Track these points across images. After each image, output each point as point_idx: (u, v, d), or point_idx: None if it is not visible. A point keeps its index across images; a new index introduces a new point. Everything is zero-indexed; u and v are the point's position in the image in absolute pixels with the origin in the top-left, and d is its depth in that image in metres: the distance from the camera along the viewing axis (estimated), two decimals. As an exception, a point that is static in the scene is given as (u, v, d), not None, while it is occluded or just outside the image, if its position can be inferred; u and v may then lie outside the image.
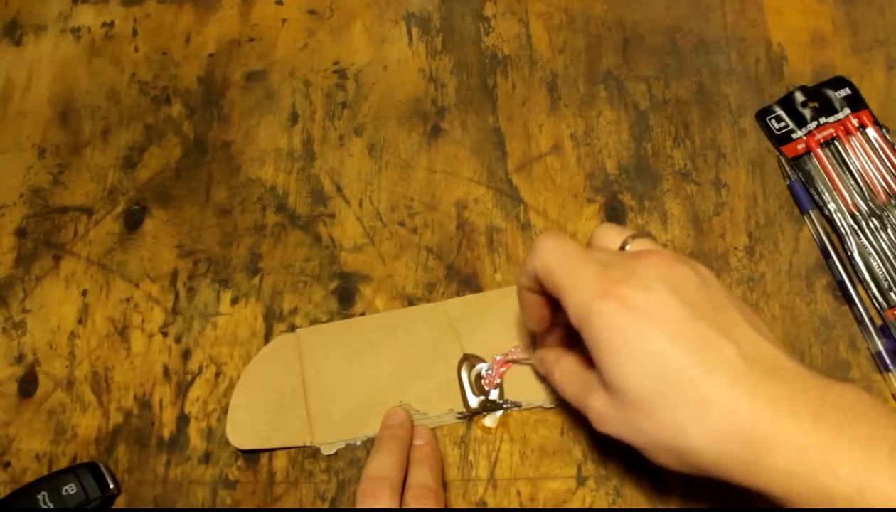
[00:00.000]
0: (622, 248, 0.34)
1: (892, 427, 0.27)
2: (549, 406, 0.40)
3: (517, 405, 0.40)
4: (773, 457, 0.27)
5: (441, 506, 0.36)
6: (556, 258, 0.33)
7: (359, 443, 0.40)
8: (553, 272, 0.32)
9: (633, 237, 0.34)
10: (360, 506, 0.35)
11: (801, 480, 0.27)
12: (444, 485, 0.39)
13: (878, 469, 0.26)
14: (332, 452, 0.40)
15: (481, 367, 0.41)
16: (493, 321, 0.42)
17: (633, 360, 0.30)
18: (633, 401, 0.30)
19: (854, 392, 0.28)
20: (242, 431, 0.40)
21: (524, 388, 0.40)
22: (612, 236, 0.35)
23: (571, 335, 0.36)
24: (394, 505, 0.34)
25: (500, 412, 0.40)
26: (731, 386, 0.28)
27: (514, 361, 0.41)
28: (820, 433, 0.27)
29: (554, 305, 0.34)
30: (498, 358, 0.41)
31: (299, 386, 0.41)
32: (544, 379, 0.39)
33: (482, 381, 0.41)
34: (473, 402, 0.40)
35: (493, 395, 0.40)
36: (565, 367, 0.36)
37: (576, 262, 0.32)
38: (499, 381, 0.40)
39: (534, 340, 0.40)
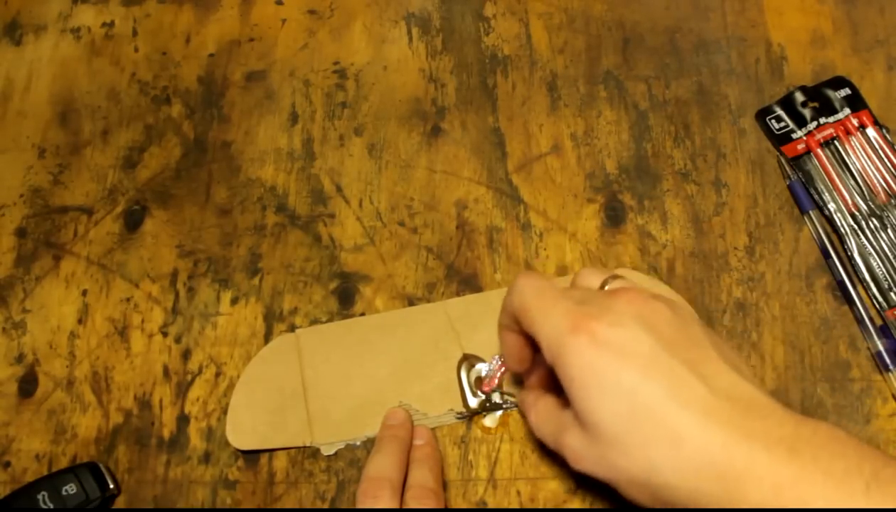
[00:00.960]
0: (602, 288, 0.34)
1: (868, 462, 0.27)
2: None
3: (517, 405, 0.40)
4: (748, 493, 0.27)
5: (441, 506, 0.36)
6: (531, 296, 0.33)
7: (359, 443, 0.40)
8: (528, 310, 0.33)
9: (613, 278, 0.34)
10: (360, 506, 0.35)
11: None
12: (444, 485, 0.39)
13: (854, 504, 0.26)
14: (332, 452, 0.40)
15: (481, 367, 0.41)
16: (492, 321, 0.41)
17: (604, 395, 0.29)
18: (605, 437, 0.30)
19: (829, 428, 0.28)
20: (242, 432, 0.40)
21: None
22: (592, 278, 0.35)
23: (554, 377, 0.37)
24: (394, 505, 0.34)
25: (500, 412, 0.40)
26: (703, 421, 0.28)
27: (504, 393, 0.40)
28: (795, 469, 0.27)
29: (534, 345, 0.34)
30: (497, 359, 0.41)
31: (299, 386, 0.41)
32: None
33: (482, 382, 0.40)
34: (473, 402, 0.40)
35: (494, 395, 0.40)
36: (541, 407, 0.36)
37: (550, 299, 0.32)
38: (498, 381, 0.40)
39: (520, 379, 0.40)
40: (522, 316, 0.33)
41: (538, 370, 0.37)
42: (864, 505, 0.25)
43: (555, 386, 0.36)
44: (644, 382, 0.29)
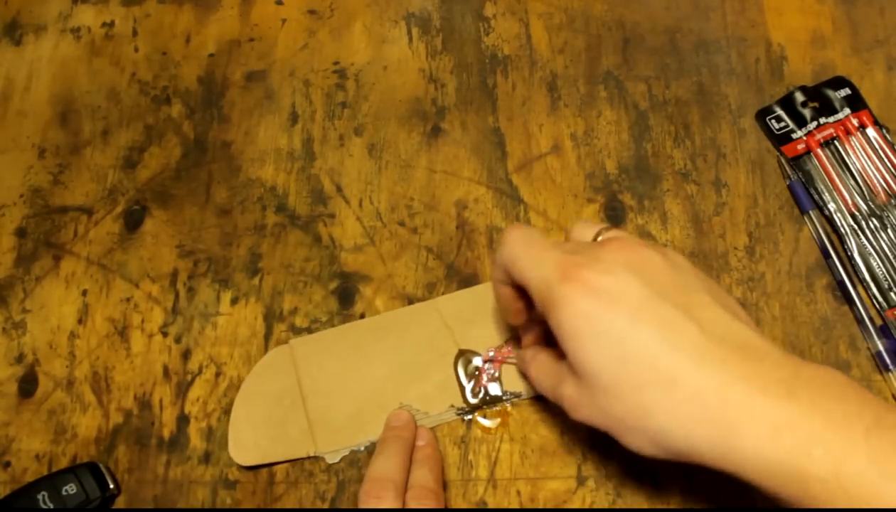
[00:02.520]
0: (595, 240, 0.34)
1: (868, 407, 0.26)
2: None
3: (517, 395, 0.40)
4: (744, 436, 0.26)
5: (441, 506, 0.36)
6: (521, 247, 0.33)
7: (362, 448, 0.40)
8: (518, 260, 0.33)
9: (606, 230, 0.34)
10: (363, 506, 0.34)
11: (773, 461, 0.26)
12: (445, 485, 0.39)
13: (854, 450, 0.25)
14: (337, 460, 0.40)
15: (477, 361, 0.41)
16: (484, 315, 0.42)
17: (595, 342, 0.29)
18: (600, 384, 0.30)
19: (829, 372, 0.27)
20: (245, 448, 0.40)
21: (522, 378, 0.40)
22: (586, 230, 0.35)
23: (549, 332, 0.37)
24: (397, 505, 0.34)
25: (500, 404, 0.40)
26: (697, 363, 0.28)
27: (503, 362, 0.41)
28: (793, 411, 0.26)
29: (528, 298, 0.34)
30: (491, 352, 0.41)
31: (298, 397, 0.41)
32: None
33: (479, 377, 0.40)
34: (472, 397, 0.40)
35: (493, 387, 0.40)
36: (539, 361, 0.36)
37: (539, 249, 0.32)
38: (495, 373, 0.40)
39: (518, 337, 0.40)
40: (512, 266, 0.33)
41: (534, 327, 0.37)
42: (864, 449, 0.25)
43: (551, 341, 0.37)
44: (635, 327, 0.29)
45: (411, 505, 0.35)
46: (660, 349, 0.28)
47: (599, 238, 0.34)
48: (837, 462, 0.25)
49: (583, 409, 0.31)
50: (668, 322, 0.29)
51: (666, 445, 0.29)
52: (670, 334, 0.28)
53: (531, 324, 0.37)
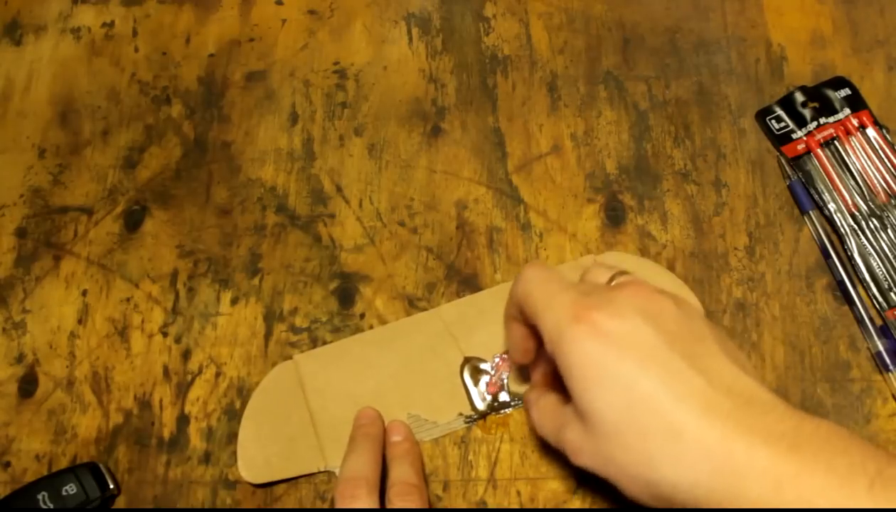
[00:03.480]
0: (609, 283, 0.34)
1: (871, 460, 0.26)
2: None
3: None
4: (748, 488, 0.26)
5: (424, 501, 0.36)
6: (536, 285, 0.33)
7: None
8: (532, 299, 0.33)
9: (620, 274, 0.34)
10: (338, 507, 0.34)
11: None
12: (427, 480, 0.39)
13: (857, 503, 0.25)
14: None
15: (484, 368, 0.41)
16: (488, 321, 0.42)
17: (602, 386, 0.29)
18: (603, 430, 0.29)
19: (832, 426, 0.28)
20: (255, 466, 0.40)
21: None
22: (601, 274, 0.35)
23: (558, 375, 0.37)
24: (372, 503, 0.34)
25: (508, 409, 0.40)
26: (702, 414, 0.28)
27: (505, 405, 0.40)
28: (796, 464, 0.26)
29: (538, 337, 0.34)
30: (497, 360, 0.41)
31: (305, 413, 0.41)
32: None
33: (485, 384, 0.40)
34: (481, 404, 0.40)
35: (501, 393, 0.40)
36: (543, 404, 0.35)
37: (555, 290, 0.32)
38: (504, 378, 0.40)
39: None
40: (526, 305, 0.33)
41: (542, 366, 0.37)
42: (867, 503, 0.25)
43: (558, 384, 0.37)
44: (642, 374, 0.29)
45: (395, 502, 0.35)
46: (666, 398, 0.28)
47: (614, 282, 0.34)
48: None
49: (585, 455, 0.31)
50: (676, 372, 0.29)
51: (667, 496, 0.28)
52: (677, 384, 0.28)
53: (541, 362, 0.37)
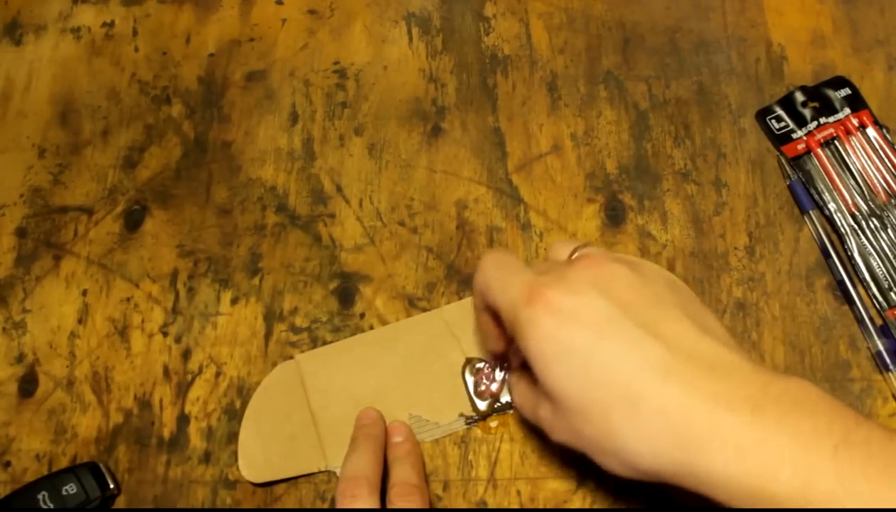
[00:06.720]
0: (570, 258, 0.34)
1: (838, 421, 0.25)
2: None
3: None
4: (711, 457, 0.26)
5: (426, 501, 0.36)
6: (493, 272, 0.33)
7: None
8: (489, 286, 0.33)
9: (582, 247, 0.34)
10: (339, 507, 0.34)
11: (740, 482, 0.25)
12: (427, 480, 0.39)
13: (822, 469, 0.24)
14: None
15: (479, 366, 0.41)
16: None
17: (560, 363, 0.29)
18: (568, 405, 0.29)
19: (800, 385, 0.27)
20: (256, 465, 0.40)
21: None
22: (562, 249, 0.34)
23: None
24: (373, 503, 0.34)
25: (510, 410, 0.40)
26: (661, 382, 0.27)
27: (498, 397, 0.40)
28: (759, 430, 0.25)
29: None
30: (494, 361, 0.41)
31: (306, 412, 0.41)
32: None
33: (482, 387, 0.40)
34: (482, 404, 0.40)
35: (503, 394, 0.40)
36: (520, 387, 0.35)
37: (510, 273, 0.32)
38: (503, 378, 0.40)
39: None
40: (486, 291, 0.33)
41: (518, 351, 0.37)
42: (830, 469, 0.24)
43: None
44: (599, 346, 0.28)
45: (396, 502, 0.35)
46: (624, 368, 0.28)
47: (575, 255, 0.33)
48: (805, 482, 0.24)
49: (559, 432, 0.31)
50: (633, 340, 0.28)
51: (636, 467, 0.28)
52: (634, 352, 0.28)
53: (517, 348, 0.37)
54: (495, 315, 0.34)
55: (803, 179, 0.44)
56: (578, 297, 0.29)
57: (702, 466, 0.26)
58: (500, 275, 0.32)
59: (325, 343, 0.43)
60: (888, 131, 0.45)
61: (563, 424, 0.30)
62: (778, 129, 0.46)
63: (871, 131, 0.45)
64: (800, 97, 0.46)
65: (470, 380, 0.41)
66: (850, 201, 0.43)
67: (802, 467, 0.25)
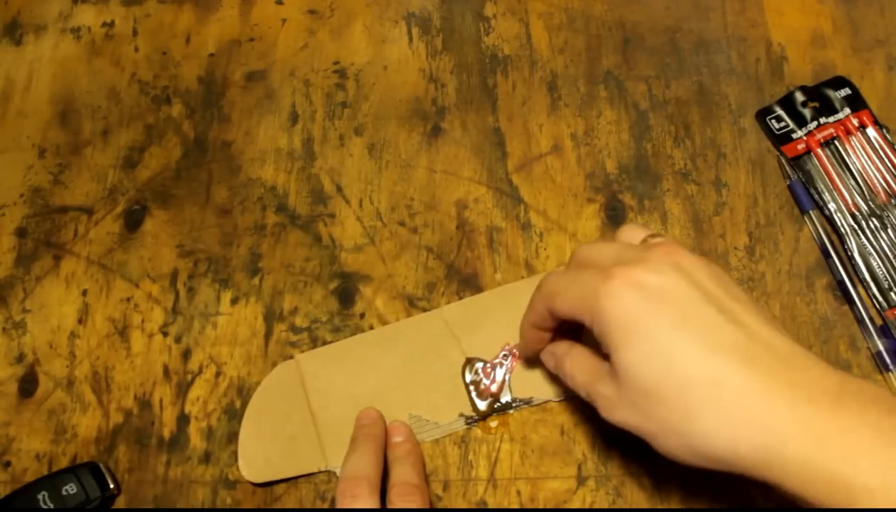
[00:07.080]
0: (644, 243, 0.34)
1: None
2: (558, 400, 0.40)
3: (527, 402, 0.40)
4: (790, 443, 0.26)
5: (426, 501, 0.36)
6: (558, 278, 0.33)
7: None
8: (559, 290, 0.33)
9: (653, 235, 0.34)
10: (339, 507, 0.34)
11: (818, 469, 0.25)
12: (427, 480, 0.39)
13: None
14: None
15: (479, 366, 0.41)
16: (490, 323, 0.42)
17: (640, 340, 0.29)
18: (641, 384, 0.29)
19: (876, 387, 0.27)
20: (256, 465, 0.40)
21: (532, 384, 0.40)
22: (635, 233, 0.34)
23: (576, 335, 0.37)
24: (373, 503, 0.34)
25: (510, 410, 0.40)
26: (743, 367, 0.27)
27: (513, 367, 0.40)
28: (840, 421, 0.25)
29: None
30: (494, 361, 0.41)
31: (307, 412, 0.41)
32: (552, 374, 0.38)
33: (481, 387, 0.40)
34: (482, 404, 0.40)
35: (503, 394, 0.40)
36: (576, 355, 0.35)
37: (578, 272, 0.32)
38: (503, 378, 0.40)
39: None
40: (555, 300, 0.33)
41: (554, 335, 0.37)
42: None
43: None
44: (681, 327, 0.28)
45: (396, 502, 0.35)
46: (707, 352, 0.28)
47: (648, 242, 0.33)
48: (886, 474, 0.24)
49: (620, 411, 0.31)
50: (716, 324, 0.28)
51: (706, 450, 0.28)
52: (717, 337, 0.28)
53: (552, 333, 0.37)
54: (547, 334, 0.35)
55: (803, 179, 0.44)
56: (664, 277, 0.29)
57: (779, 451, 0.26)
58: (567, 277, 0.33)
59: (325, 343, 0.43)
60: (888, 131, 0.45)
61: (628, 402, 0.30)
62: (778, 129, 0.46)
63: (871, 131, 0.45)
64: (800, 97, 0.46)
65: (470, 380, 0.41)
66: (850, 201, 0.43)
67: (884, 459, 0.25)
